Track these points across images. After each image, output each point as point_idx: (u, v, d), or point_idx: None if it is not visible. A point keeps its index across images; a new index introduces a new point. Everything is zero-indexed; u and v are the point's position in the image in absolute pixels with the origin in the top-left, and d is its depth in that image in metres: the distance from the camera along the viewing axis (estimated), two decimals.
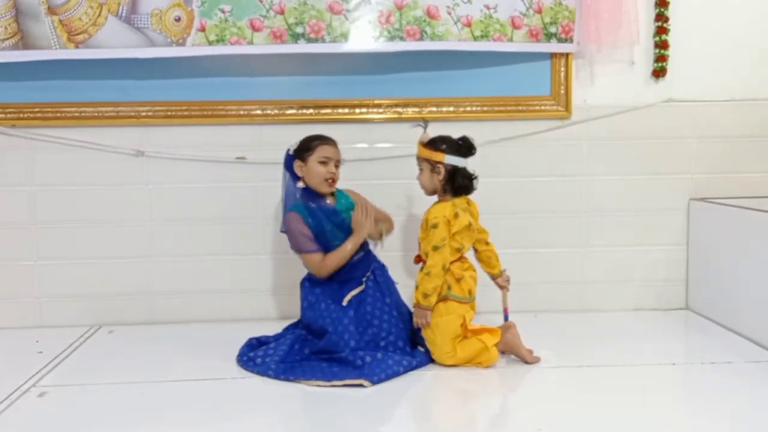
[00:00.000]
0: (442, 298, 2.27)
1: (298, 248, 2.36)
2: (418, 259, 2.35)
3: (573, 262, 2.91)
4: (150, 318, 2.83)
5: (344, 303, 2.29)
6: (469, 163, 2.31)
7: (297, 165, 2.38)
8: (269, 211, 2.81)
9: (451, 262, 2.28)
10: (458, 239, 2.27)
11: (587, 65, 2.83)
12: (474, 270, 2.35)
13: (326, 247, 2.35)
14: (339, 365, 2.18)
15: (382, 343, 2.26)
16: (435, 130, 2.68)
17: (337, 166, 2.37)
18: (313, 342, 2.30)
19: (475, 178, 2.32)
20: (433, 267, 2.22)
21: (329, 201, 2.40)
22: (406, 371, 2.20)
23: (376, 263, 2.42)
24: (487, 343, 2.23)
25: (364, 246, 2.39)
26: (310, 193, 2.37)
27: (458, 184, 2.29)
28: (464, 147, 2.30)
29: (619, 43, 2.75)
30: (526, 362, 2.27)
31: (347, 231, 2.36)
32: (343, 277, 2.35)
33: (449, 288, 2.27)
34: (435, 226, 2.24)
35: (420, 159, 2.33)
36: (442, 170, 2.28)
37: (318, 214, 2.34)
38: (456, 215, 2.26)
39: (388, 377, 2.15)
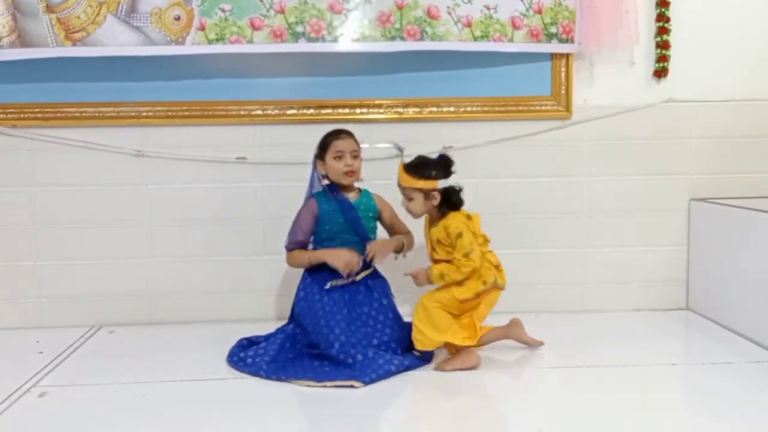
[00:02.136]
0: (489, 288, 2.25)
1: (287, 240, 2.43)
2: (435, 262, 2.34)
3: (573, 262, 2.91)
4: (150, 318, 2.82)
5: (327, 286, 2.32)
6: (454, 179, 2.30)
7: (319, 164, 2.43)
8: (269, 211, 2.80)
9: (486, 253, 2.29)
10: (481, 233, 2.30)
11: (588, 65, 2.84)
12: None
13: (332, 237, 2.38)
14: (330, 364, 2.18)
15: (375, 342, 2.26)
16: (437, 126, 2.67)
17: (355, 157, 2.39)
18: (304, 340, 2.30)
19: (462, 189, 2.30)
20: (465, 266, 2.21)
21: (352, 195, 2.43)
22: (398, 371, 2.19)
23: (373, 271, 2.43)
24: (457, 338, 2.24)
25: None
26: (333, 188, 2.42)
27: (453, 201, 2.28)
28: (449, 165, 2.28)
29: (619, 43, 2.75)
30: (531, 345, 2.36)
31: (357, 229, 2.38)
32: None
33: (495, 279, 2.26)
34: (460, 235, 2.22)
35: (407, 189, 2.28)
36: (438, 195, 2.26)
37: (334, 204, 2.39)
38: (468, 216, 2.28)
39: (380, 377, 2.14)
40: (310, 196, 2.45)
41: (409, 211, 2.33)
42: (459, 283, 2.25)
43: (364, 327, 2.28)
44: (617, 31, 2.72)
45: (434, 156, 2.32)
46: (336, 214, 2.38)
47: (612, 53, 2.79)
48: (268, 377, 2.18)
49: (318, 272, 2.38)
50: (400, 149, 2.33)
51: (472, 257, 2.21)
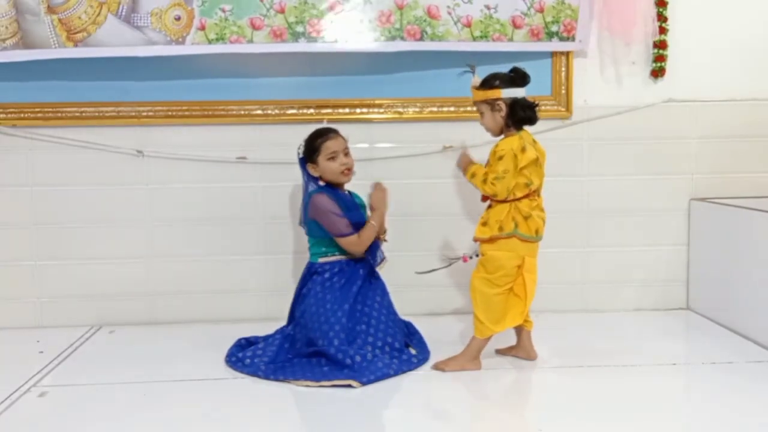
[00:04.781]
0: (508, 236, 2.20)
1: (335, 232, 2.35)
2: (485, 198, 2.29)
3: (573, 262, 2.91)
4: (150, 318, 2.82)
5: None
6: (525, 93, 2.24)
7: (311, 168, 2.40)
8: (269, 210, 2.81)
9: (519, 199, 2.21)
10: (526, 174, 2.19)
11: (588, 65, 2.83)
12: (543, 210, 2.27)
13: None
14: (329, 364, 2.18)
15: (370, 339, 2.25)
16: (437, 126, 2.68)
17: (347, 154, 2.39)
18: (303, 340, 2.30)
19: (537, 105, 2.25)
20: (488, 187, 2.18)
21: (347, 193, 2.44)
22: (396, 374, 2.19)
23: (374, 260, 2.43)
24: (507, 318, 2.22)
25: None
26: (330, 187, 2.40)
27: (519, 116, 2.21)
28: (517, 77, 2.23)
29: (635, 39, 2.76)
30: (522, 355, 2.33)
31: (360, 226, 2.37)
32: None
33: (516, 226, 2.20)
34: (500, 158, 2.17)
35: (478, 103, 2.27)
36: (503, 106, 2.21)
37: (342, 202, 2.37)
38: (523, 149, 2.18)
39: (378, 379, 2.14)
40: (315, 191, 2.39)
41: (486, 129, 2.30)
42: (483, 224, 2.24)
43: (359, 325, 2.28)
44: (631, 28, 2.73)
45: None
46: (347, 208, 2.37)
47: (626, 50, 2.80)
48: (266, 377, 2.18)
49: (324, 273, 2.37)
50: (472, 66, 2.29)
51: (498, 185, 2.17)
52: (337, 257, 2.39)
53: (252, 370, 2.21)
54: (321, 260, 2.39)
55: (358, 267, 2.38)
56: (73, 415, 1.94)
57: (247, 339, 2.41)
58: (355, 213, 2.38)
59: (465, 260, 2.34)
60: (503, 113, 2.22)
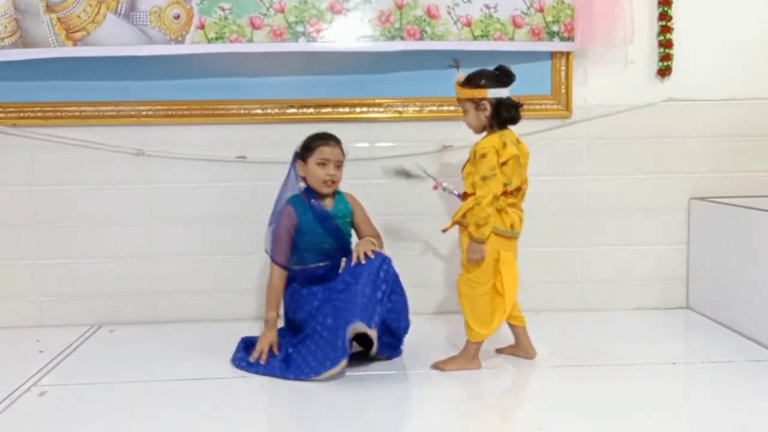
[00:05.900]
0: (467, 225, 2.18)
1: (270, 250, 2.38)
2: (465, 196, 2.26)
3: (573, 261, 2.91)
4: (150, 317, 2.83)
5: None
6: (510, 92, 2.22)
7: (299, 165, 2.38)
8: (269, 209, 2.79)
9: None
10: (506, 172, 2.18)
11: (588, 64, 2.83)
12: (522, 210, 2.26)
13: (313, 247, 2.36)
14: (323, 351, 2.16)
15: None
16: (437, 126, 2.68)
17: (339, 167, 2.36)
18: (298, 339, 2.31)
19: (521, 106, 2.24)
20: (483, 198, 2.12)
21: (328, 202, 2.40)
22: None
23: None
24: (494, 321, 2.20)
25: (331, 258, 2.39)
26: (310, 192, 2.38)
27: (504, 116, 2.20)
28: (503, 76, 2.21)
29: (614, 42, 2.75)
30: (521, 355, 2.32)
31: (336, 236, 2.36)
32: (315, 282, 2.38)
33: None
34: (483, 156, 2.14)
35: (462, 101, 2.25)
36: (488, 106, 2.20)
37: (311, 214, 2.35)
38: (504, 144, 2.17)
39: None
40: (287, 202, 2.39)
41: (468, 126, 2.28)
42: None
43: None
44: (612, 29, 2.72)
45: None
46: (314, 224, 2.35)
47: (608, 51, 2.79)
48: (283, 376, 2.18)
49: (299, 279, 2.38)
50: (456, 61, 2.27)
51: (490, 183, 2.12)
52: (312, 265, 2.38)
53: (268, 370, 2.20)
54: (297, 267, 2.40)
55: (336, 269, 2.38)
56: (73, 415, 1.94)
57: (251, 339, 2.39)
58: (311, 234, 2.34)
59: (435, 187, 2.34)
60: (488, 113, 2.21)
